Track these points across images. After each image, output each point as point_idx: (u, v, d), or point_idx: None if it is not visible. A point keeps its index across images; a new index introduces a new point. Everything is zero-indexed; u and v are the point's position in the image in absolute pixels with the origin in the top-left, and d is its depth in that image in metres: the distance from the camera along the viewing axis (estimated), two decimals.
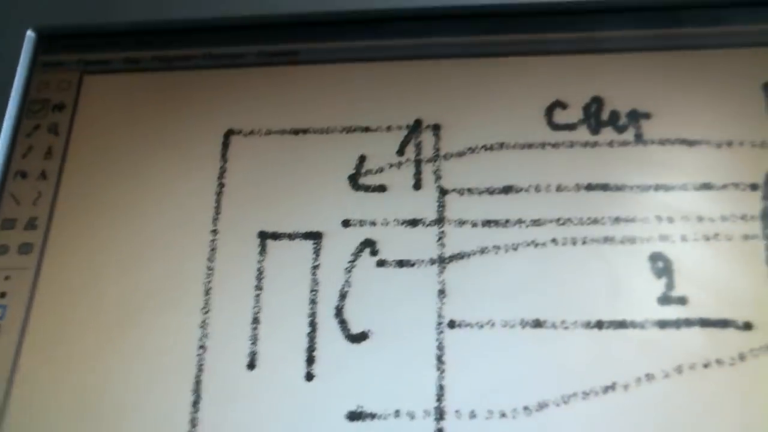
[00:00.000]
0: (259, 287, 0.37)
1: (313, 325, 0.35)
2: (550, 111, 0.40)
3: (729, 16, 0.43)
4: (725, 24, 0.42)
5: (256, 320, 0.36)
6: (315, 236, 0.38)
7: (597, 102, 0.40)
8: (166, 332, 0.36)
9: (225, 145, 0.41)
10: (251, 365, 0.35)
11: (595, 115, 0.40)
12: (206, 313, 0.36)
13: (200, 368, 0.35)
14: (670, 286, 0.35)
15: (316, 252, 0.37)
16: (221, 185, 0.40)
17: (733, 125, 0.39)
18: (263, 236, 0.38)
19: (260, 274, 0.37)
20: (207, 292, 0.37)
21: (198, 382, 0.35)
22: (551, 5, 0.43)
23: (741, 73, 0.40)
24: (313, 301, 0.36)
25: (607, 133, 0.39)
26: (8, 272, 0.38)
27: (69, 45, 0.46)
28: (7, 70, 0.45)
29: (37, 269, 0.39)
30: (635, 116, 0.40)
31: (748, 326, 0.33)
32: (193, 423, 0.34)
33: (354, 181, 0.39)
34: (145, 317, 0.36)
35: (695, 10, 0.43)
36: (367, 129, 0.41)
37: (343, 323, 0.35)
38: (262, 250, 0.38)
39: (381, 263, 0.37)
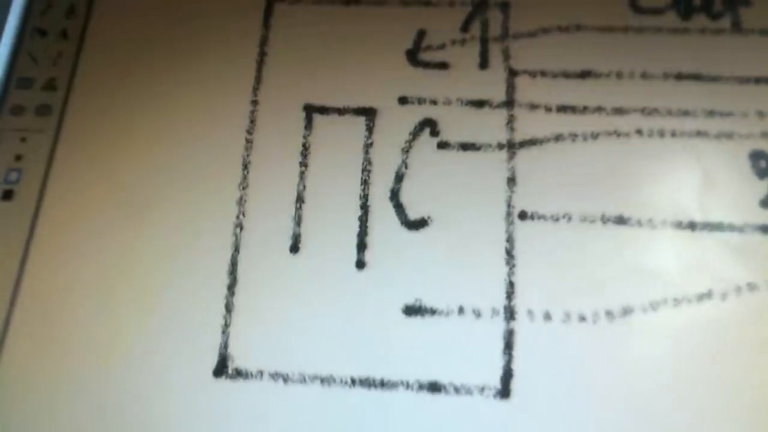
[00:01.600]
0: (303, 164, 0.30)
1: (365, 207, 0.29)
2: None
3: None
4: None
5: (300, 199, 0.29)
6: (368, 112, 0.31)
7: None
8: (198, 208, 0.30)
9: (267, 12, 0.34)
10: (294, 248, 0.29)
11: (684, 0, 0.33)
12: (244, 189, 0.30)
13: (237, 249, 0.29)
14: None
15: (369, 129, 0.31)
16: (263, 54, 0.33)
17: None
18: (309, 110, 0.31)
19: (305, 150, 0.30)
20: (245, 167, 0.30)
21: (234, 264, 0.28)
22: None
23: None
24: (365, 182, 0.30)
25: (699, 20, 0.32)
26: (24, 134, 0.32)
27: None
28: None
29: (56, 133, 0.32)
30: (732, 3, 0.32)
31: None
32: (228, 308, 0.28)
33: (412, 56, 0.32)
34: (174, 191, 0.30)
35: None
36: (427, 3, 0.33)
37: (398, 207, 0.29)
38: (308, 124, 0.31)
39: (442, 145, 0.30)
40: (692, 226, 0.28)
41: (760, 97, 0.30)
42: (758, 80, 0.30)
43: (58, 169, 0.31)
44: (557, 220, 0.28)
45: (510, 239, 0.28)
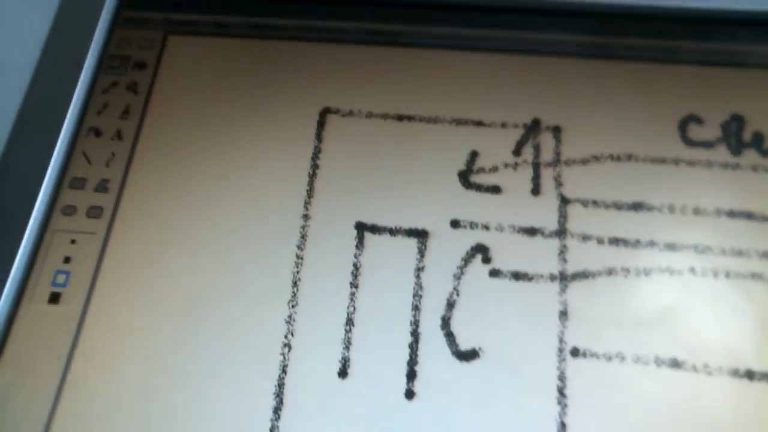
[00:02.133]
0: (354, 284, 0.31)
1: (415, 335, 0.30)
2: (683, 125, 0.34)
3: None
4: None
5: (350, 321, 0.30)
6: (420, 234, 0.32)
7: (737, 120, 0.34)
8: (245, 324, 0.30)
9: (321, 124, 0.35)
10: (343, 373, 0.29)
11: (735, 135, 0.34)
12: (293, 307, 0.30)
13: (284, 370, 0.29)
14: None
15: (421, 252, 0.31)
16: (315, 167, 0.34)
17: None
18: (361, 228, 0.32)
19: (356, 270, 0.31)
20: (295, 284, 0.31)
21: (281, 386, 0.29)
22: (689, 11, 0.36)
23: None
24: (416, 308, 0.30)
25: (750, 156, 0.33)
26: (75, 236, 0.32)
27: (155, 3, 0.39)
28: (88, 23, 0.39)
29: (106, 236, 0.32)
30: None
31: None
32: None
33: (464, 178, 0.33)
34: (222, 305, 0.31)
35: None
36: (479, 123, 0.35)
37: (450, 336, 0.29)
38: (360, 243, 0.32)
39: (494, 273, 0.31)
40: (750, 375, 0.28)
41: None
42: None
43: (106, 273, 0.32)
44: (610, 359, 0.28)
45: (562, 377, 0.28)
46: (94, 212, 0.34)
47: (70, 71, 0.38)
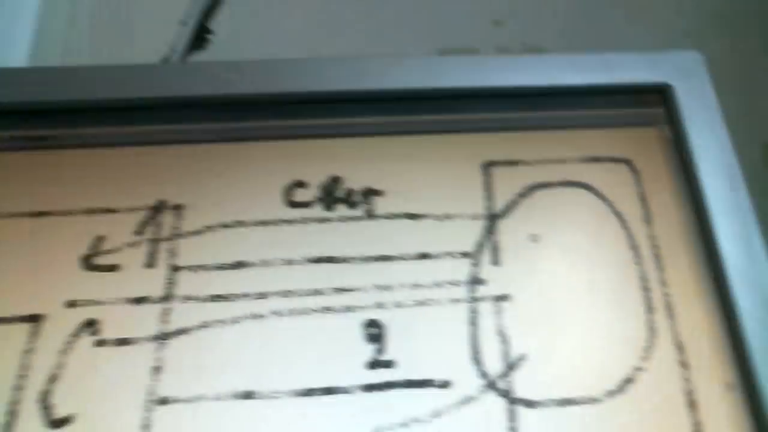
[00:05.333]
0: None
1: (11, 413, 0.31)
2: (289, 191, 0.40)
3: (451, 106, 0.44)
4: (448, 112, 0.43)
5: None
6: (33, 319, 0.34)
7: (335, 181, 0.40)
8: None
9: None
10: None
11: (330, 193, 0.39)
12: None
13: None
14: (380, 350, 0.34)
15: (32, 335, 0.34)
16: None
17: (453, 200, 0.40)
18: None
19: None
20: None
21: None
22: (286, 95, 0.43)
23: (463, 155, 0.41)
24: (17, 388, 0.32)
25: (341, 210, 0.39)
26: None
27: None
28: None
29: None
30: (368, 194, 0.40)
31: (445, 384, 0.33)
32: None
33: (86, 261, 0.36)
34: None
35: (422, 101, 0.44)
36: (109, 210, 0.38)
37: (46, 409, 0.31)
38: None
39: (100, 343, 0.34)
40: (309, 392, 0.32)
41: (378, 273, 0.36)
42: (379, 258, 0.37)
43: None
44: (192, 402, 0.32)
45: (146, 425, 0.31)
46: None
47: None
